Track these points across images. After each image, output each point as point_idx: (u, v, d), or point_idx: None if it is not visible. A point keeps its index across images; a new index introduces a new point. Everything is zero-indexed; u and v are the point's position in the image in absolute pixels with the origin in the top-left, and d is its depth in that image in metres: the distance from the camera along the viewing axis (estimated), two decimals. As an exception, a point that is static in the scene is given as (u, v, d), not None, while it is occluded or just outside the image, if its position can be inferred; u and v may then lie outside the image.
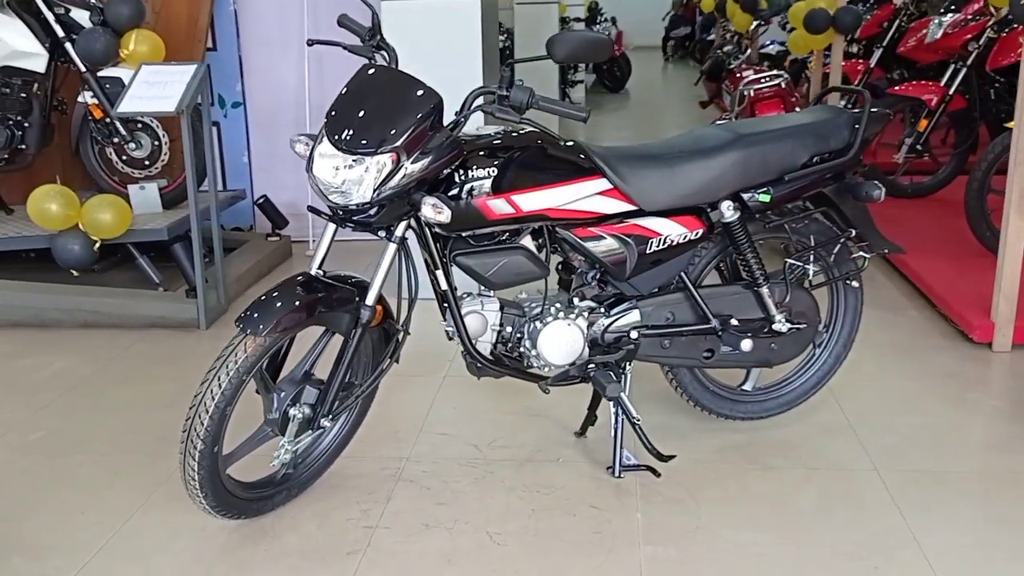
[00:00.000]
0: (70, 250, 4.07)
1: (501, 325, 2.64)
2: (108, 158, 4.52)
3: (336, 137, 2.29)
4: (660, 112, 11.60)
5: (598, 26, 12.83)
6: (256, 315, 2.30)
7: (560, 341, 2.62)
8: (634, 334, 2.71)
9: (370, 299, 2.44)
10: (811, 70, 6.94)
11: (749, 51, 6.32)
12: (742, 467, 2.84)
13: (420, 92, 2.33)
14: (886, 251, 2.89)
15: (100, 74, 4.34)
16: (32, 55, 4.36)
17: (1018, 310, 3.61)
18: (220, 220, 5.27)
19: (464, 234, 2.51)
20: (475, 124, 2.55)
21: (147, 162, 4.51)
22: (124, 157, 4.50)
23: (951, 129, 5.81)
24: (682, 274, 2.75)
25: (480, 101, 2.37)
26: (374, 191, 2.27)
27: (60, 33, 4.33)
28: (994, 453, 2.91)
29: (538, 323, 2.63)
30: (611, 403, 2.77)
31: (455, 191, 2.42)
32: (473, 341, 2.59)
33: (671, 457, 2.80)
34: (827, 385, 3.16)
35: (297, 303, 2.34)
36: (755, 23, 6.61)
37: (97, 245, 4.09)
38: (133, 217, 4.23)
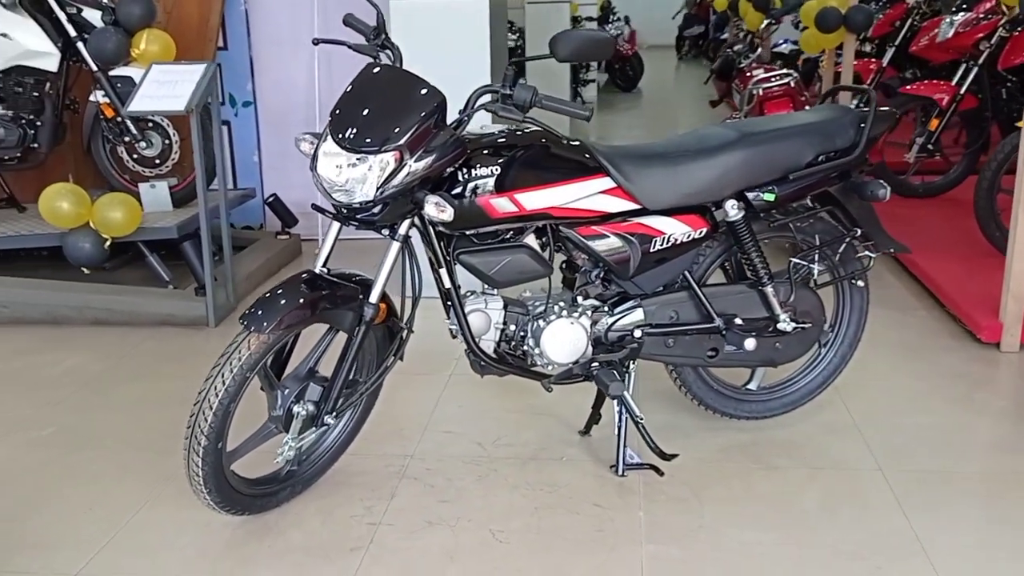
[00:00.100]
0: (81, 248, 4.10)
1: (505, 323, 2.64)
2: (119, 157, 4.56)
3: (340, 136, 2.31)
4: (672, 111, 11.58)
5: (610, 25, 12.81)
6: (260, 312, 2.32)
7: (563, 339, 2.63)
8: (638, 333, 2.71)
9: (373, 297, 2.45)
10: (823, 69, 6.92)
11: (760, 50, 6.29)
12: (746, 466, 2.84)
13: (423, 91, 2.34)
14: (892, 250, 2.88)
15: (112, 73, 4.37)
16: (44, 54, 4.40)
17: (1027, 310, 3.60)
18: (231, 218, 5.30)
19: (468, 232, 2.52)
20: (484, 123, 2.55)
21: (158, 161, 4.54)
22: (135, 156, 4.53)
23: (963, 129, 5.77)
24: (686, 273, 2.76)
25: (484, 100, 2.39)
26: (377, 189, 2.29)
27: (72, 32, 4.36)
28: (1000, 454, 2.90)
29: (541, 321, 2.64)
30: (615, 402, 2.78)
31: (459, 189, 2.43)
32: (476, 339, 2.60)
33: (674, 456, 2.80)
34: (833, 385, 3.16)
35: (301, 301, 2.36)
36: (766, 22, 6.59)
37: (107, 243, 4.12)
38: (143, 215, 4.26)
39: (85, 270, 4.26)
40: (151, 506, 2.69)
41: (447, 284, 2.54)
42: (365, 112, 2.32)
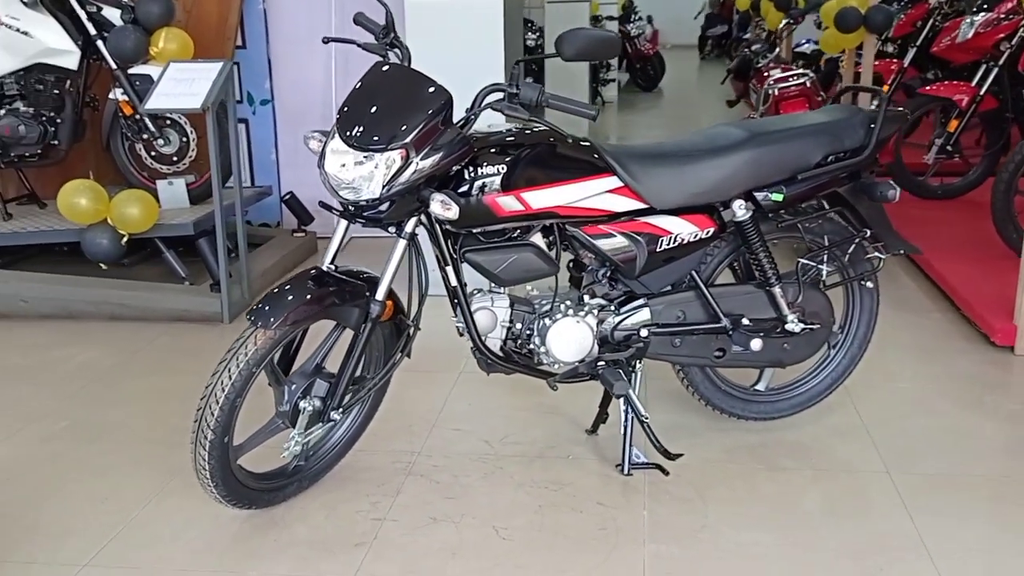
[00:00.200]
0: (98, 244, 4.15)
1: (511, 322, 2.65)
2: (137, 154, 4.60)
3: (347, 134, 2.33)
4: (693, 111, 11.53)
5: (631, 25, 12.78)
6: (267, 308, 2.34)
7: (569, 338, 2.64)
8: (644, 332, 2.71)
9: (380, 294, 2.47)
10: (843, 69, 6.87)
11: (778, 49, 6.26)
12: (752, 467, 2.84)
13: (430, 89, 2.36)
14: (902, 252, 2.87)
15: (131, 71, 4.41)
16: (65, 52, 4.45)
17: (1042, 313, 3.57)
18: (248, 216, 5.37)
19: (474, 231, 2.53)
20: (491, 121, 2.55)
21: (175, 158, 4.58)
22: (153, 153, 4.57)
23: (983, 130, 5.72)
24: (693, 273, 2.75)
25: (491, 98, 2.39)
26: (383, 187, 2.30)
27: (92, 31, 4.41)
28: (1009, 457, 2.88)
29: (547, 320, 2.65)
30: (621, 401, 2.78)
31: (465, 188, 2.45)
32: (482, 337, 2.61)
33: (679, 455, 2.80)
34: (843, 386, 3.15)
35: (308, 297, 2.38)
36: (784, 21, 6.55)
37: (124, 239, 4.17)
38: (160, 212, 4.31)
39: (103, 266, 4.31)
40: (160, 499, 2.73)
41: (453, 282, 2.56)
42: (372, 110, 2.34)
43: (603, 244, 2.61)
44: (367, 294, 2.48)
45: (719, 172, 2.63)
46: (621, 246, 2.62)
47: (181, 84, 4.04)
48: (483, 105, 2.40)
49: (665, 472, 2.77)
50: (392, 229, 2.47)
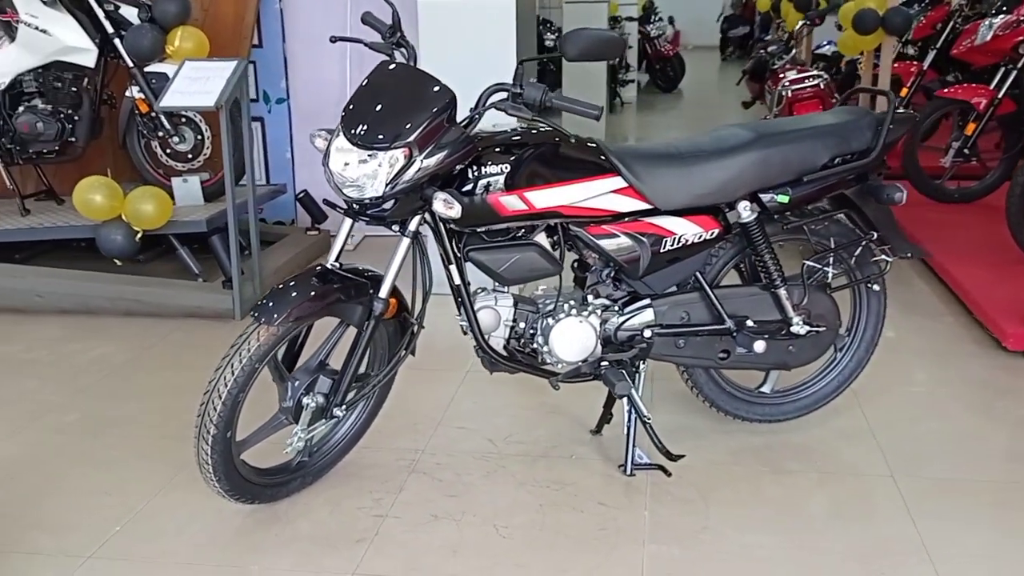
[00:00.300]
0: (113, 240, 4.19)
1: (514, 321, 2.66)
2: (153, 151, 4.65)
3: (351, 132, 2.35)
4: (712, 112, 11.49)
5: (651, 26, 12.77)
6: (271, 304, 2.36)
7: (572, 338, 2.64)
8: (647, 333, 2.71)
9: (383, 292, 2.48)
10: (862, 71, 6.83)
11: (794, 51, 6.23)
12: (756, 470, 2.83)
13: (434, 88, 2.37)
14: (909, 255, 2.85)
15: (147, 69, 4.46)
16: (83, 50, 4.50)
17: (1055, 319, 3.53)
18: (263, 214, 5.41)
19: (479, 230, 2.54)
20: (499, 121, 2.56)
21: (190, 156, 4.62)
22: (168, 150, 4.62)
23: (1002, 133, 5.67)
24: (698, 274, 2.75)
25: (495, 98, 2.40)
26: (386, 185, 2.32)
27: (110, 29, 4.45)
28: (1016, 464, 2.85)
29: (551, 319, 2.65)
30: (624, 401, 2.78)
31: (469, 187, 2.46)
32: (486, 336, 2.62)
33: (681, 456, 2.80)
34: (851, 389, 3.13)
35: (312, 294, 2.40)
36: (801, 22, 6.52)
37: (139, 235, 4.21)
38: (174, 209, 4.35)
39: (117, 262, 4.36)
40: (165, 493, 2.76)
41: (456, 281, 2.57)
42: (376, 109, 2.36)
43: (607, 244, 2.61)
44: (371, 292, 2.49)
45: (724, 173, 2.62)
46: (625, 246, 2.62)
47: (196, 82, 4.07)
48: (487, 105, 2.40)
49: (668, 473, 2.77)
50: (396, 227, 2.48)
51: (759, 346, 2.78)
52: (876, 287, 2.95)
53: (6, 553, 2.47)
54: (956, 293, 4.21)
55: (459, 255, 2.56)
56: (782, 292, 2.77)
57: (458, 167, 2.43)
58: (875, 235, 2.81)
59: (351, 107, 2.40)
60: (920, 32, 7.09)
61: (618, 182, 2.57)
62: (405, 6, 4.32)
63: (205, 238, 4.50)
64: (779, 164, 2.65)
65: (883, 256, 2.85)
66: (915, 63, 6.79)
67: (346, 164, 2.33)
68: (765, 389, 3.03)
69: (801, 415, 3.05)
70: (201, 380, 2.42)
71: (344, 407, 2.57)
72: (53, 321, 4.24)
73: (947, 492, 2.68)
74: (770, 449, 2.94)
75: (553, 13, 11.84)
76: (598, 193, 2.55)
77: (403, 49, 2.65)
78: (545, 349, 2.66)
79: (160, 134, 4.57)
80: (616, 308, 2.73)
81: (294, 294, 2.38)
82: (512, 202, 2.47)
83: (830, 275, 2.83)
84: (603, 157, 2.57)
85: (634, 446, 2.79)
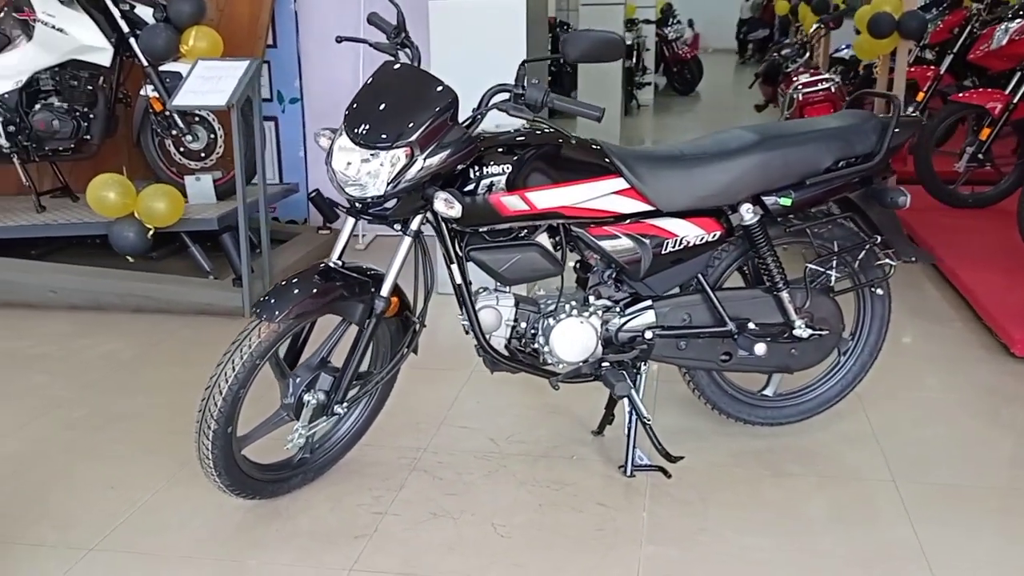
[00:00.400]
0: (125, 237, 4.24)
1: (515, 321, 2.67)
2: (167, 149, 4.69)
3: (354, 131, 2.36)
4: (728, 115, 11.46)
5: (669, 28, 12.75)
6: (272, 301, 2.38)
7: (572, 338, 2.64)
8: (648, 334, 2.71)
9: (384, 290, 2.50)
10: (877, 75, 6.79)
11: (808, 54, 6.21)
12: (757, 472, 2.82)
13: (437, 89, 2.39)
14: (913, 259, 2.84)
15: (161, 69, 4.50)
16: (98, 49, 4.55)
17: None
18: (276, 213, 5.45)
19: (481, 230, 2.55)
20: (502, 122, 2.57)
21: (203, 154, 4.66)
22: (182, 149, 4.66)
23: (1017, 138, 5.63)
24: (700, 276, 2.75)
25: (497, 99, 2.41)
26: (388, 184, 2.33)
27: (125, 28, 4.50)
28: (1020, 470, 2.83)
29: (552, 320, 2.66)
30: (626, 403, 2.79)
31: (471, 187, 2.47)
32: (487, 336, 2.63)
33: (680, 458, 2.80)
34: (856, 394, 3.13)
35: (314, 291, 2.42)
36: (815, 25, 6.50)
37: (151, 233, 4.25)
38: (186, 207, 4.39)
39: (130, 258, 4.40)
40: (169, 487, 2.78)
41: (458, 280, 2.58)
42: (378, 109, 2.37)
43: (608, 245, 2.62)
44: (372, 290, 2.51)
45: (727, 175, 2.62)
46: (626, 248, 2.63)
47: (208, 82, 4.11)
48: (489, 105, 2.42)
49: (667, 475, 2.77)
50: (398, 227, 2.50)
51: (761, 349, 2.78)
52: (880, 291, 2.94)
53: (10, 544, 2.50)
54: (966, 298, 4.19)
55: (460, 255, 2.57)
56: (784, 295, 2.76)
57: (460, 167, 2.44)
58: (879, 239, 2.80)
59: (354, 106, 2.42)
60: (937, 36, 7.05)
61: (620, 183, 2.58)
62: (416, 7, 4.36)
63: (217, 236, 4.54)
64: (782, 167, 2.64)
65: (887, 260, 2.84)
66: (932, 67, 6.76)
67: (348, 163, 2.35)
68: (768, 392, 3.02)
69: (804, 419, 3.05)
70: (207, 376, 2.45)
71: (345, 405, 2.59)
72: (64, 317, 4.29)
73: (949, 498, 2.67)
74: (772, 452, 2.94)
75: (572, 15, 11.86)
76: (600, 194, 2.56)
77: (407, 49, 2.66)
78: (546, 349, 2.67)
79: (174, 133, 4.61)
80: (617, 309, 2.74)
81: (296, 291, 2.40)
82: (513, 202, 2.48)
83: (833, 278, 2.82)
84: (605, 158, 2.57)
85: (635, 447, 2.79)
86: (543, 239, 2.60)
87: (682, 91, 13.22)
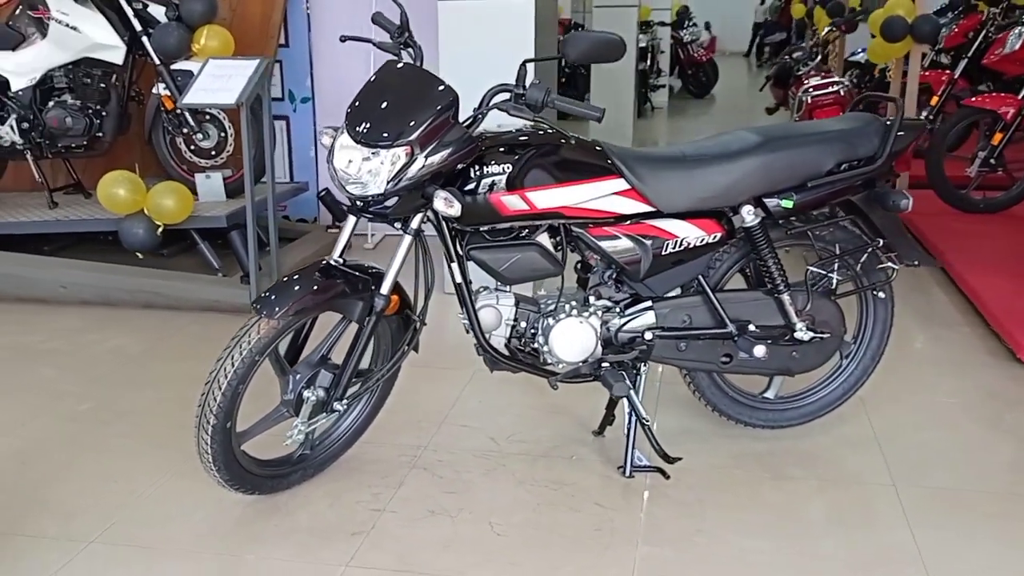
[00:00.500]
0: (135, 233, 4.27)
1: (515, 320, 2.68)
2: (178, 147, 4.73)
3: (355, 130, 2.38)
4: (742, 117, 11.43)
5: (684, 31, 12.73)
6: (272, 298, 2.40)
7: (572, 338, 2.65)
8: (648, 335, 2.72)
9: (384, 288, 2.51)
10: (891, 78, 6.77)
11: (819, 57, 6.19)
12: (757, 475, 2.82)
13: (438, 88, 2.40)
14: (916, 263, 2.82)
15: (173, 67, 4.54)
16: (111, 47, 4.59)
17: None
18: (286, 211, 5.48)
19: (481, 229, 2.56)
20: (503, 122, 2.57)
21: (213, 152, 4.70)
22: (192, 147, 4.70)
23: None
24: (701, 277, 2.75)
25: (498, 98, 2.42)
26: (388, 183, 2.35)
27: (138, 27, 4.54)
28: (1021, 475, 2.81)
29: (551, 319, 2.67)
30: (625, 403, 2.79)
31: (471, 186, 2.48)
32: (487, 335, 2.64)
33: (678, 459, 2.80)
34: (859, 397, 3.12)
35: (314, 288, 2.43)
36: (827, 28, 6.48)
37: (160, 229, 4.28)
38: (196, 204, 4.42)
39: (139, 255, 4.44)
40: (170, 481, 2.81)
41: (458, 279, 2.59)
42: (379, 107, 2.39)
43: (608, 246, 2.62)
44: (372, 288, 2.52)
45: (728, 177, 2.62)
46: (626, 248, 2.63)
47: (218, 80, 4.13)
48: (490, 105, 2.43)
49: (666, 476, 2.77)
50: (399, 225, 2.51)
51: (762, 351, 2.77)
52: (882, 295, 2.93)
53: (12, 535, 2.53)
54: (974, 303, 4.16)
55: (461, 254, 2.58)
56: (785, 297, 2.76)
57: (461, 166, 2.45)
58: (881, 242, 2.79)
59: (356, 105, 2.43)
60: (952, 41, 7.02)
61: (621, 184, 2.58)
62: (426, 7, 4.38)
63: (226, 234, 4.57)
64: (783, 169, 2.64)
65: (889, 264, 2.83)
66: (946, 72, 6.73)
67: (350, 161, 2.37)
68: (769, 395, 3.02)
69: (805, 422, 3.04)
70: (208, 372, 2.47)
71: (345, 402, 2.60)
72: (74, 312, 4.33)
73: (949, 502, 2.66)
74: (772, 455, 2.93)
75: (587, 17, 11.87)
76: (600, 195, 2.57)
77: (410, 49, 2.68)
78: (545, 349, 2.68)
79: (185, 131, 4.65)
80: (617, 310, 2.74)
81: (296, 288, 2.42)
82: (513, 202, 2.49)
83: (835, 281, 2.82)
84: (606, 159, 2.58)
85: (634, 448, 2.79)
86: (543, 239, 2.61)
87: (697, 94, 13.20)
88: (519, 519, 2.60)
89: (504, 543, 2.49)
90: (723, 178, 2.63)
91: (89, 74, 4.68)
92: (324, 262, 2.53)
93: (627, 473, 2.78)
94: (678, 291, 2.80)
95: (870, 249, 2.80)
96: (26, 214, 4.68)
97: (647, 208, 2.62)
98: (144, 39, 4.55)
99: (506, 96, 2.40)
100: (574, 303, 2.70)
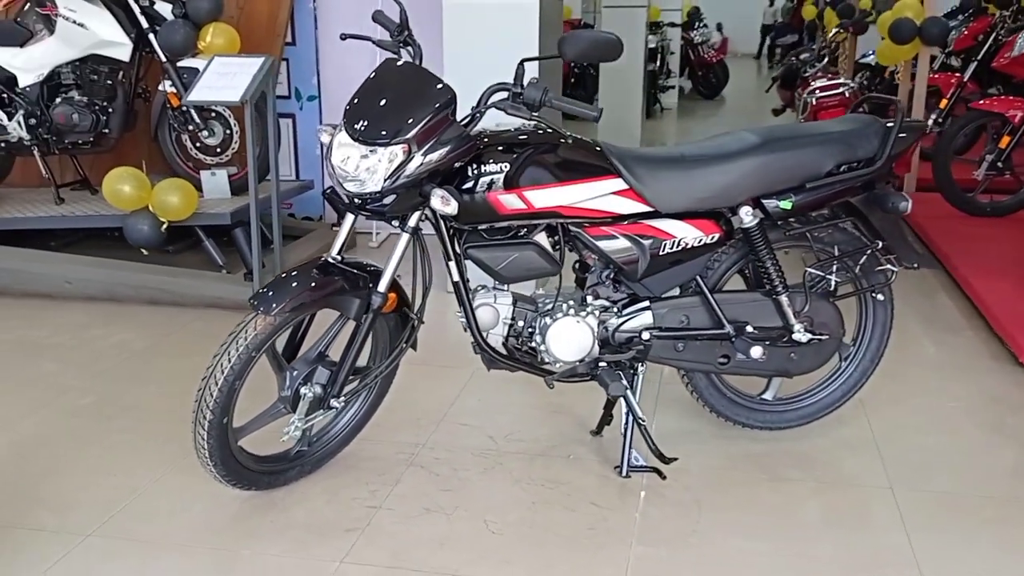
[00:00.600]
0: (139, 230, 4.29)
1: (513, 319, 2.68)
2: (183, 144, 4.74)
3: (353, 127, 2.38)
4: (751, 119, 11.40)
5: (695, 32, 12.71)
6: (270, 294, 2.41)
7: (568, 337, 2.65)
8: (646, 335, 2.72)
9: (382, 286, 2.51)
10: (899, 81, 6.75)
11: (826, 58, 6.18)
12: (754, 476, 2.82)
13: (437, 86, 2.40)
14: (915, 265, 2.82)
15: (179, 64, 4.55)
16: (118, 44, 4.61)
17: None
18: (292, 209, 5.50)
19: (480, 228, 2.57)
20: (502, 120, 2.57)
21: (219, 150, 4.71)
22: (198, 144, 4.71)
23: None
24: (699, 278, 2.75)
25: (496, 97, 2.43)
26: (385, 180, 2.35)
27: (144, 24, 4.56)
28: (1021, 480, 2.80)
29: (548, 319, 2.67)
30: (623, 403, 2.79)
31: (469, 184, 2.48)
32: (484, 333, 2.64)
33: (673, 459, 2.80)
34: (860, 400, 3.11)
35: (312, 285, 2.44)
36: (835, 29, 6.46)
37: (164, 226, 4.30)
38: (201, 201, 4.44)
39: (144, 251, 4.46)
40: (168, 476, 2.82)
41: (456, 277, 2.59)
42: (378, 105, 2.40)
43: (605, 245, 2.62)
44: (370, 285, 2.53)
45: (726, 177, 2.62)
46: (624, 248, 2.63)
47: (223, 78, 4.15)
48: (488, 104, 2.43)
49: (663, 476, 2.77)
50: (396, 223, 2.52)
51: (759, 352, 2.77)
52: (881, 297, 2.92)
53: (11, 528, 2.54)
54: (978, 307, 4.14)
55: (459, 252, 2.59)
56: (784, 299, 2.75)
57: (459, 164, 2.45)
58: (880, 244, 2.78)
59: (354, 103, 2.44)
60: (962, 43, 6.99)
61: (619, 184, 2.58)
62: (431, 6, 4.39)
63: (231, 231, 4.58)
64: (782, 170, 2.64)
65: (888, 266, 2.82)
66: (956, 74, 6.69)
67: (347, 158, 2.37)
68: (767, 396, 3.01)
69: (803, 423, 3.03)
70: (205, 367, 2.48)
71: (342, 399, 2.61)
72: (79, 307, 4.35)
73: (946, 506, 2.65)
74: (770, 456, 2.93)
75: (597, 17, 11.86)
76: (598, 194, 2.57)
77: (409, 47, 2.69)
78: (543, 348, 2.68)
79: (190, 128, 4.66)
80: (615, 309, 2.74)
81: (293, 284, 2.43)
82: (511, 201, 2.49)
83: (833, 283, 2.81)
84: (604, 159, 2.58)
85: (631, 448, 2.79)
86: (541, 238, 2.61)
87: (707, 95, 13.18)
88: (514, 517, 2.60)
89: (498, 541, 2.49)
90: (721, 179, 2.62)
91: (96, 71, 4.70)
92: (322, 259, 2.54)
93: (623, 473, 2.78)
94: (676, 291, 2.81)
95: (869, 251, 2.79)
96: (33, 210, 4.70)
97: (645, 208, 2.62)
98: (151, 36, 4.56)
99: (504, 95, 2.40)
100: (572, 302, 2.70)
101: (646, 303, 2.73)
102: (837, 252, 2.80)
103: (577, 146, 2.57)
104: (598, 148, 2.59)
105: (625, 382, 2.71)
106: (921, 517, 2.59)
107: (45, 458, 2.93)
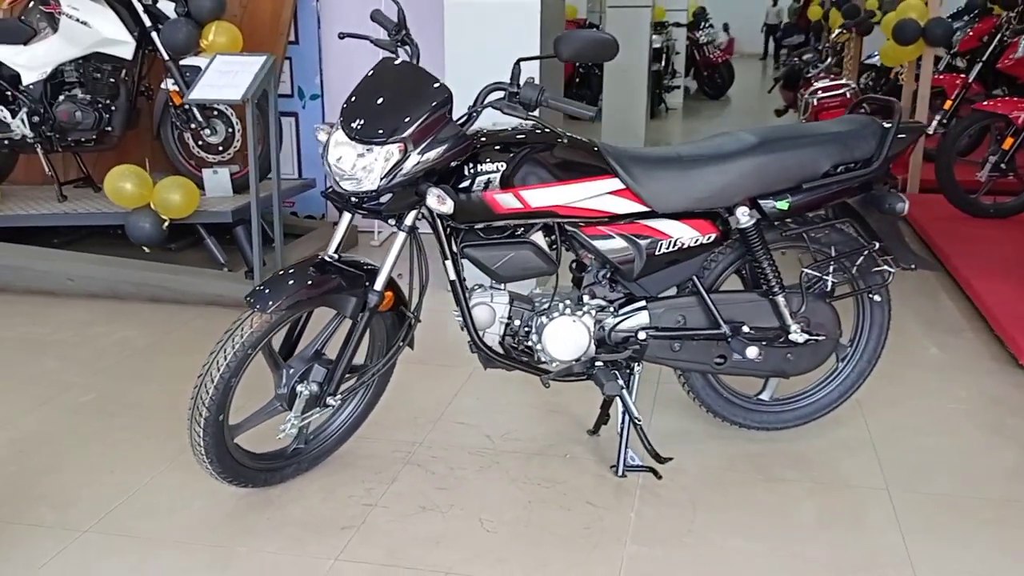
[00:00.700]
0: (141, 227, 4.31)
1: (509, 318, 2.68)
2: (186, 142, 4.77)
3: (350, 126, 2.39)
4: (755, 119, 11.39)
5: (700, 32, 12.70)
6: (266, 292, 2.41)
7: (565, 337, 2.65)
8: (642, 335, 2.72)
9: (378, 285, 2.52)
10: (903, 82, 6.73)
11: (829, 59, 6.17)
12: (750, 477, 2.82)
13: (433, 86, 2.41)
14: (913, 266, 2.81)
15: (182, 63, 4.57)
16: (121, 43, 4.63)
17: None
18: (294, 207, 5.51)
19: (476, 227, 2.57)
20: (499, 120, 2.58)
21: (221, 148, 4.73)
22: (200, 142, 4.73)
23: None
24: (695, 278, 2.75)
25: (492, 97, 2.43)
26: (382, 179, 2.36)
27: (147, 23, 4.58)
28: (1019, 482, 2.80)
29: (545, 318, 2.67)
30: (619, 403, 2.79)
31: (466, 183, 2.49)
32: (480, 332, 2.65)
33: (669, 459, 2.80)
34: (857, 401, 3.11)
35: (308, 283, 2.45)
36: (838, 30, 6.45)
37: (166, 224, 4.32)
38: (203, 199, 4.45)
39: (146, 249, 4.47)
40: (166, 473, 2.83)
41: (452, 276, 2.60)
42: (374, 104, 2.41)
43: (601, 245, 2.63)
44: (366, 284, 2.53)
45: (722, 178, 2.62)
46: (619, 248, 2.63)
47: (225, 76, 4.17)
48: (484, 103, 2.44)
49: (658, 476, 2.77)
50: (392, 222, 2.52)
51: (756, 352, 2.77)
52: (879, 297, 2.91)
53: (9, 524, 2.56)
54: (979, 308, 4.14)
55: (455, 251, 2.59)
56: (780, 299, 2.75)
57: (455, 163, 2.46)
58: (877, 245, 2.78)
59: (351, 101, 2.45)
60: (966, 44, 6.97)
61: (615, 184, 2.59)
62: (432, 6, 4.40)
63: (232, 229, 4.60)
64: (778, 171, 2.64)
65: (886, 267, 2.82)
66: (960, 75, 6.68)
67: (343, 157, 2.38)
68: (764, 396, 3.01)
69: (800, 424, 3.03)
70: (201, 365, 2.49)
71: (338, 397, 2.62)
72: (81, 305, 4.37)
73: (942, 508, 2.64)
74: (766, 457, 2.93)
75: (602, 17, 11.85)
76: (594, 194, 2.57)
77: (407, 47, 2.69)
78: (539, 347, 2.68)
79: (192, 126, 4.68)
80: (611, 309, 2.74)
81: (290, 282, 2.44)
82: (507, 200, 2.49)
83: (829, 284, 2.81)
84: (601, 159, 2.58)
85: (627, 447, 2.80)
86: (537, 238, 2.62)
87: (712, 95, 13.16)
88: (510, 516, 2.60)
89: (493, 540, 2.50)
90: (718, 179, 2.62)
91: (99, 69, 4.72)
92: (319, 257, 2.55)
93: (620, 472, 2.78)
94: (673, 291, 2.81)
95: (866, 252, 2.79)
96: (36, 207, 4.72)
97: (641, 208, 2.62)
98: (153, 34, 4.59)
99: (500, 94, 2.41)
100: (568, 302, 2.71)
101: (642, 303, 2.73)
102: (834, 253, 2.79)
103: (573, 146, 2.57)
104: (595, 148, 2.59)
105: (621, 382, 2.71)
106: (917, 518, 2.59)
107: (46, 455, 2.95)
